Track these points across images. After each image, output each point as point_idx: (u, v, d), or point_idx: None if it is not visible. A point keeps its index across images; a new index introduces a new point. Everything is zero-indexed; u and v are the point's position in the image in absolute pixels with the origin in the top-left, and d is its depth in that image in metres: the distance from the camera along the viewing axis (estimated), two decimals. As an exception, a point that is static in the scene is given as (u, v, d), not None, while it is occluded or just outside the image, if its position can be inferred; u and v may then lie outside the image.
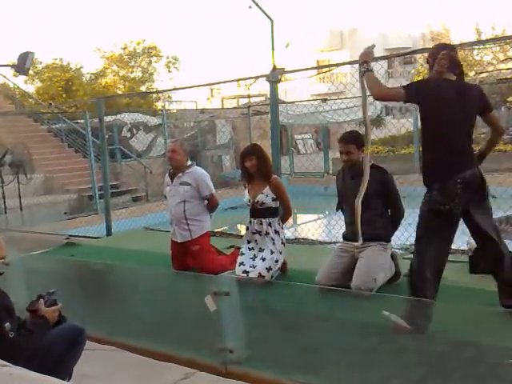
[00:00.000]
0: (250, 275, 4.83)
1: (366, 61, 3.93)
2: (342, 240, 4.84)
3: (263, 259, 4.93)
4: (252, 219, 5.10)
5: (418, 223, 3.75)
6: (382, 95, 3.93)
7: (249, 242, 5.13)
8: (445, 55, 3.69)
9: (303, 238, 6.90)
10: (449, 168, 3.62)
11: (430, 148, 3.73)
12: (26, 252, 6.52)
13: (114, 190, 10.86)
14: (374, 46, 4.11)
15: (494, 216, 4.35)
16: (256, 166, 5.04)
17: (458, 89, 3.67)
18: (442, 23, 31.10)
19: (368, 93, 4.01)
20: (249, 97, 22.06)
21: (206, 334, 3.61)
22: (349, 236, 4.65)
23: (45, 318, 2.73)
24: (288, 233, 6.53)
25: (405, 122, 14.58)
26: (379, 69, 6.52)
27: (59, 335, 2.74)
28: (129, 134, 16.18)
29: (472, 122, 3.75)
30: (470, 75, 20.69)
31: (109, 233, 8.17)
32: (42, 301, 2.78)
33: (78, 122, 14.42)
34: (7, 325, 2.53)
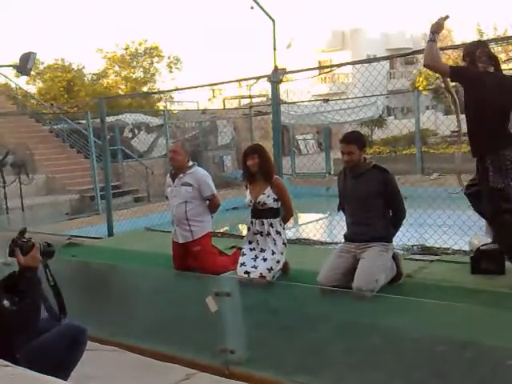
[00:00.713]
0: (252, 276, 4.82)
1: (435, 31, 4.29)
2: (343, 241, 4.83)
3: (264, 260, 4.93)
4: (253, 220, 5.10)
5: None
6: (431, 66, 4.39)
7: (250, 243, 5.13)
8: (482, 53, 4.26)
9: (305, 239, 6.90)
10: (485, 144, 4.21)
11: (470, 125, 4.27)
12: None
13: (115, 191, 10.86)
14: (447, 16, 4.37)
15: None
16: (258, 165, 5.03)
17: (498, 79, 4.25)
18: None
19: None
20: (250, 97, 22.04)
21: (207, 334, 3.60)
22: (350, 236, 4.65)
23: (29, 268, 2.64)
24: (289, 233, 6.53)
25: (406, 123, 14.58)
26: (381, 69, 6.53)
27: (60, 334, 2.74)
28: (130, 135, 16.19)
29: (508, 108, 4.21)
30: (472, 75, 20.64)
31: (110, 233, 8.17)
32: (18, 251, 2.65)
33: (79, 123, 14.43)
34: (5, 302, 2.52)
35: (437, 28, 4.29)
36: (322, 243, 6.63)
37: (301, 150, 21.64)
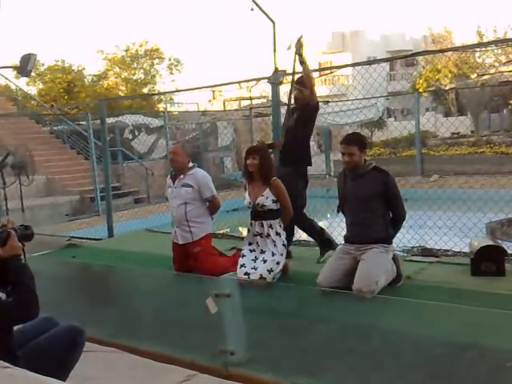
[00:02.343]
0: (252, 277, 4.82)
1: (299, 52, 5.37)
2: (343, 242, 4.82)
3: (264, 261, 4.92)
4: (253, 221, 5.09)
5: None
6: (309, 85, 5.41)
7: (250, 244, 5.12)
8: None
9: (304, 240, 6.89)
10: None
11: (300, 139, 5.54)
12: (28, 253, 6.52)
13: (115, 192, 10.87)
14: (302, 36, 5.33)
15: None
16: (257, 166, 5.03)
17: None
18: (443, 26, 31.14)
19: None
20: (250, 99, 22.06)
21: (207, 335, 3.60)
22: (350, 238, 4.64)
23: (11, 257, 2.63)
24: (289, 235, 6.51)
25: (406, 124, 14.58)
26: (381, 71, 6.55)
27: (58, 336, 2.73)
28: (130, 136, 16.21)
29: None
30: (472, 77, 20.68)
31: (110, 234, 8.17)
32: None
33: (79, 124, 14.44)
34: (1, 294, 2.50)
35: (296, 51, 5.36)
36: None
37: (301, 151, 21.61)
